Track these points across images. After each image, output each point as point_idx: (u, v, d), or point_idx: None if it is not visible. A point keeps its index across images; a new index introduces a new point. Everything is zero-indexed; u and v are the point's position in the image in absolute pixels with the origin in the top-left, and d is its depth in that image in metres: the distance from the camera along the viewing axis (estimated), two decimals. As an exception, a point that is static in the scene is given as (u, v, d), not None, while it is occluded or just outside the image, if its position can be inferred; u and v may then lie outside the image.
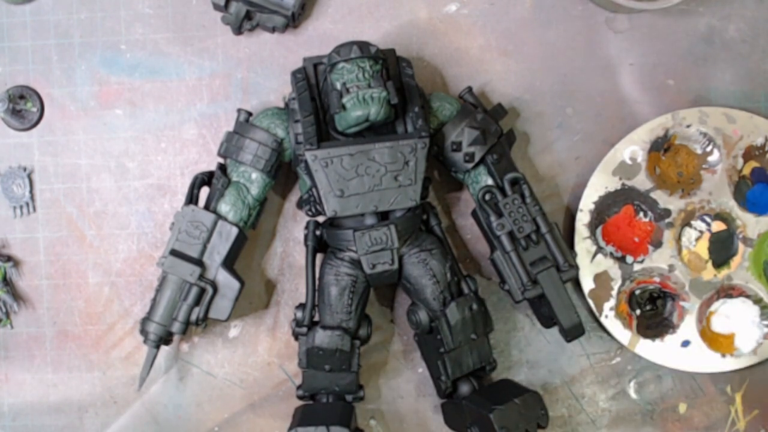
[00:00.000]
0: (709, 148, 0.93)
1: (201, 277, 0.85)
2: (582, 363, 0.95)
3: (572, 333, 0.86)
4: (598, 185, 0.92)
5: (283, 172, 0.91)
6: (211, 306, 0.86)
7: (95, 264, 0.95)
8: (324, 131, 0.85)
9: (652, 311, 0.95)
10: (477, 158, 0.87)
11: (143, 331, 0.86)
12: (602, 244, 0.94)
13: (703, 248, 0.94)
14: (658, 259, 0.92)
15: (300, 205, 0.91)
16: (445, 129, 0.87)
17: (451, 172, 0.90)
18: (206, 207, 0.87)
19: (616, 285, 0.92)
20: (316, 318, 0.88)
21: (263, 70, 0.94)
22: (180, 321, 0.85)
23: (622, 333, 0.92)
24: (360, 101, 0.80)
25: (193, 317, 0.86)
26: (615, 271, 0.92)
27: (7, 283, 0.95)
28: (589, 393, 0.95)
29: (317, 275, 0.88)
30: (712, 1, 0.95)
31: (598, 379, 0.95)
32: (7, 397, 0.96)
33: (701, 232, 0.94)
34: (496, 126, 0.88)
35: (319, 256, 0.90)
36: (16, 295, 0.95)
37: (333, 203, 0.84)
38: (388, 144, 0.83)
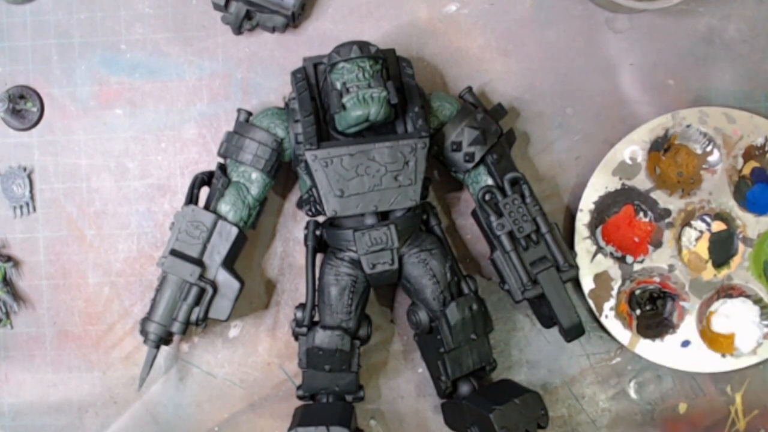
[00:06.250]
0: (709, 148, 0.93)
1: (201, 277, 0.85)
2: (582, 363, 0.95)
3: (572, 333, 0.86)
4: (598, 185, 0.92)
5: (283, 172, 0.91)
6: (211, 306, 0.86)
7: (95, 264, 0.95)
8: (324, 131, 0.85)
9: (652, 311, 0.95)
10: (477, 158, 0.87)
11: (143, 331, 0.86)
12: (602, 244, 0.94)
13: (703, 248, 0.94)
14: (658, 259, 0.92)
15: (300, 205, 0.91)
16: (445, 129, 0.87)
17: (451, 172, 0.90)
18: (206, 207, 0.87)
19: (616, 285, 0.92)
20: (316, 318, 0.88)
21: (263, 70, 0.94)
22: (180, 321, 0.85)
23: (622, 333, 0.92)
24: (360, 101, 0.80)
25: (193, 317, 0.86)
26: (615, 271, 0.92)
27: (7, 283, 0.94)
28: (589, 393, 0.95)
29: (317, 275, 0.88)
30: (712, 1, 0.94)
31: (598, 379, 0.95)
32: (7, 397, 0.96)
33: (701, 232, 0.94)
34: (496, 126, 0.88)
35: (319, 256, 0.90)
36: (16, 295, 0.95)
37: (333, 203, 0.84)
38: (388, 144, 0.83)
